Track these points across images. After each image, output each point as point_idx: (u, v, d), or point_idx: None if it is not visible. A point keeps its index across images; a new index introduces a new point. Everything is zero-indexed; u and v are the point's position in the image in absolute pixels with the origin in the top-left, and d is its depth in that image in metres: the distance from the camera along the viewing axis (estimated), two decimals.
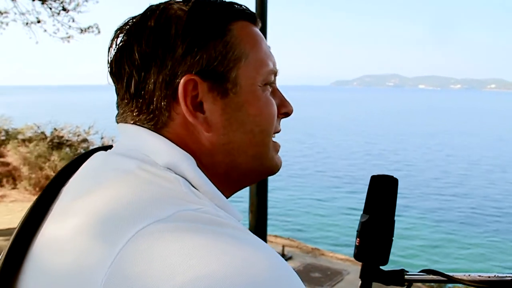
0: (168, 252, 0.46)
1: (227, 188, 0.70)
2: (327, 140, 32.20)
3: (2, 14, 9.43)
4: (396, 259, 9.14)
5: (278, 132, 0.75)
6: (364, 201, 0.92)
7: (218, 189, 0.64)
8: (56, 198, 0.66)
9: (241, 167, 0.69)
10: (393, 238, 0.91)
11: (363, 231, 0.90)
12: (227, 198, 0.68)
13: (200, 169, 0.64)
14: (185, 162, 0.62)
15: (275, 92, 0.73)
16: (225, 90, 0.65)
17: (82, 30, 10.80)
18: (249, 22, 0.70)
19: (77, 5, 10.33)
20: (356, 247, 0.91)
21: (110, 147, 0.72)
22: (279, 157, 0.77)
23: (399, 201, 0.90)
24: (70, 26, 10.58)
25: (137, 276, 0.46)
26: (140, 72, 0.64)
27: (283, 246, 5.21)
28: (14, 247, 0.61)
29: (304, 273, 4.65)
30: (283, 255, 5.08)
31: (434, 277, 0.92)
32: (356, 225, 0.92)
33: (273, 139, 0.74)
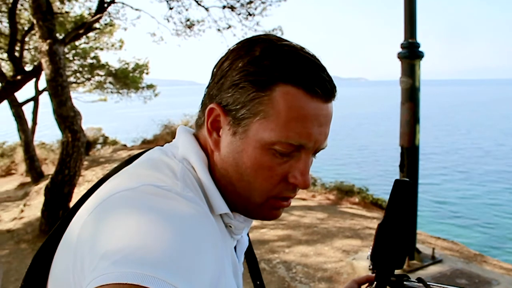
0: (117, 216, 0.61)
1: (228, 192, 0.78)
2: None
3: (199, 22, 10.95)
4: None
5: (284, 196, 0.77)
6: None
7: (225, 188, 0.78)
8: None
9: (232, 189, 0.78)
10: None
11: (378, 233, 0.91)
12: (235, 203, 0.79)
13: (211, 166, 0.79)
14: (194, 157, 0.78)
15: (293, 161, 0.75)
16: (235, 131, 0.75)
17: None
18: (303, 91, 0.72)
19: (263, 9, 11.25)
20: (371, 249, 0.93)
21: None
22: (276, 212, 0.79)
23: None
24: (256, 30, 11.61)
25: (96, 227, 0.61)
26: (212, 78, 0.80)
27: (433, 249, 4.88)
28: (70, 212, 0.78)
29: (450, 278, 4.34)
30: (432, 257, 4.78)
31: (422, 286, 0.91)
32: None
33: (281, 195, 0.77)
